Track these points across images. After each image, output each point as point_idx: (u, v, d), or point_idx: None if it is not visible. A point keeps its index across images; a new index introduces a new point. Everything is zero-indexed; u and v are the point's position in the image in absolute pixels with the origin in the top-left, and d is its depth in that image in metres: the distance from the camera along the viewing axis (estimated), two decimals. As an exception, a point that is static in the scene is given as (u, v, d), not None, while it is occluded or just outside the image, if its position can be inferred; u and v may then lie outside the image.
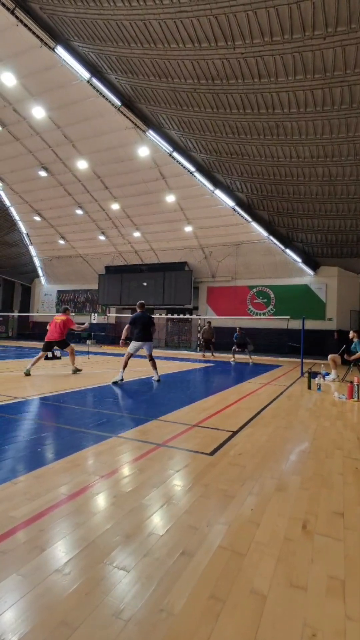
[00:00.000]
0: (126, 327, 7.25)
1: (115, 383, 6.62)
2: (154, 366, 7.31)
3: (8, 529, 1.72)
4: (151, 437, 3.36)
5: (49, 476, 2.38)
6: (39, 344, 18.86)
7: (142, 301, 7.51)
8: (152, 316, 7.62)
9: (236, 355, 14.22)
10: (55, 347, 7.72)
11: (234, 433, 3.63)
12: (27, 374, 6.97)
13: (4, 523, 1.77)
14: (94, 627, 1.17)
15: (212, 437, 3.46)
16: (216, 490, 2.26)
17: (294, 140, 11.59)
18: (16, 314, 25.34)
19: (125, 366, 7.00)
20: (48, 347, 7.58)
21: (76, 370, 7.77)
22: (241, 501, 2.12)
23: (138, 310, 7.32)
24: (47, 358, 9.65)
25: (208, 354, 15.80)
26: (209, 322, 15.25)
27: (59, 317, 7.69)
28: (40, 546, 1.60)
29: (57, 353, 10.89)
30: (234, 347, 13.95)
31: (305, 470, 2.72)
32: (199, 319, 19.96)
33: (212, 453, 2.98)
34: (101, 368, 8.74)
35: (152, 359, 7.30)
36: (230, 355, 14.36)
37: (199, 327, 20.66)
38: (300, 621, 1.24)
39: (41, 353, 7.50)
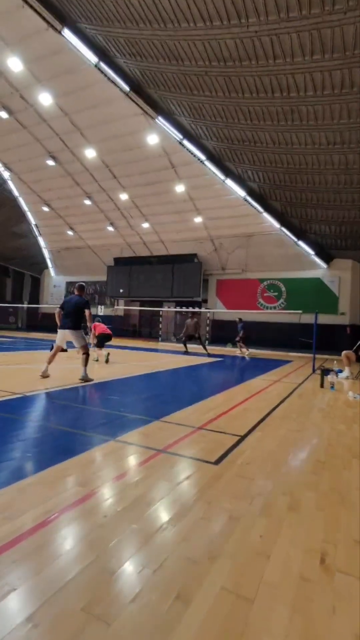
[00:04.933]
0: (56, 311, 6.19)
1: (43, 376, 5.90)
2: (84, 361, 5.99)
3: (-23, 558, 1.48)
4: (152, 441, 3.11)
5: (37, 488, 2.14)
6: (48, 336, 18.83)
7: (82, 283, 6.44)
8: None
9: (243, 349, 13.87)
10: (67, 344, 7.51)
11: (242, 438, 3.36)
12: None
13: (-26, 550, 1.53)
14: None
15: (217, 442, 3.20)
16: (220, 510, 2.00)
17: (309, 126, 11.05)
18: (25, 305, 25.34)
19: (49, 361, 6.00)
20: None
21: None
22: (249, 525, 1.86)
23: (75, 293, 6.30)
24: (62, 350, 9.50)
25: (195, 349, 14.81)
26: (192, 316, 13.23)
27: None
28: (20, 577, 1.36)
29: (64, 345, 10.74)
30: (238, 339, 13.57)
31: (320, 483, 2.43)
32: (208, 312, 19.63)
33: (217, 462, 2.71)
34: (103, 362, 8.53)
35: (85, 352, 6.03)
36: (237, 349, 14.06)
37: (208, 321, 20.36)
38: None
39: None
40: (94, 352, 8.48)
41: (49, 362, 6.03)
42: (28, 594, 1.31)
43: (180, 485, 2.29)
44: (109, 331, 9.32)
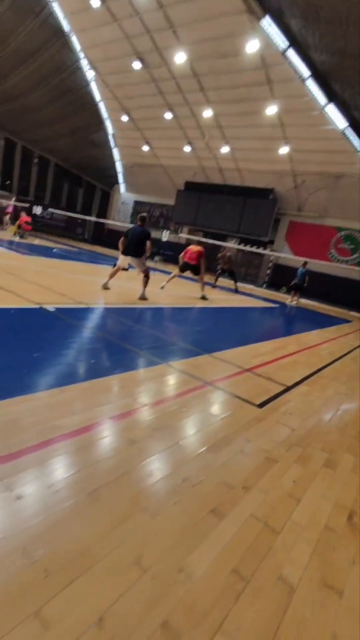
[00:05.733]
0: (121, 240, 6.52)
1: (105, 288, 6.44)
2: (144, 283, 6.57)
3: (49, 438, 1.76)
4: (200, 373, 3.27)
5: (94, 392, 2.41)
6: (111, 252, 19.42)
7: (144, 215, 6.65)
8: (223, 243, 7.13)
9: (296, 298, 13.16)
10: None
11: (288, 388, 3.40)
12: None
13: (47, 431, 1.82)
14: (112, 570, 1.15)
15: (263, 387, 3.28)
16: (258, 449, 2.13)
17: None
18: (93, 218, 25.85)
19: (111, 276, 6.58)
20: (184, 268, 8.54)
21: (204, 297, 8.33)
22: (284, 469, 1.97)
23: (137, 223, 6.58)
24: (124, 269, 9.84)
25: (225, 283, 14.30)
26: (225, 249, 12.63)
27: (195, 247, 8.52)
28: (77, 464, 1.61)
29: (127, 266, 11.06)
30: (291, 286, 12.81)
31: (360, 450, 2.46)
32: (272, 254, 18.68)
33: (261, 405, 2.81)
34: (167, 287, 8.71)
35: (146, 275, 6.56)
36: (289, 297, 13.45)
37: (270, 264, 19.50)
38: (329, 632, 1.11)
39: (175, 272, 8.78)
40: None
41: (111, 276, 6.62)
42: (88, 477, 1.55)
43: (223, 419, 2.44)
44: (191, 261, 8.54)
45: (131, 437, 1.94)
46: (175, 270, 9.10)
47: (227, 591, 1.17)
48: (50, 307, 4.41)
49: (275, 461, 2.03)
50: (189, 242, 23.76)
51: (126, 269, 9.27)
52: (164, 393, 2.68)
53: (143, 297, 6.45)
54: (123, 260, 6.54)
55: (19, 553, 1.13)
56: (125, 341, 3.78)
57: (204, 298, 8.41)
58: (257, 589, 1.20)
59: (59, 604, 1.00)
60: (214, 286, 12.22)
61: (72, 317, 4.27)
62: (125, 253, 6.42)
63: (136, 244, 6.36)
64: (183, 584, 1.15)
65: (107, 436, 1.91)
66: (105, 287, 6.49)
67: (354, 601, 1.24)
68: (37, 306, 4.33)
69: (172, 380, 2.98)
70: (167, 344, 4.08)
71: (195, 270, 8.63)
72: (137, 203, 26.09)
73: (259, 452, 2.09)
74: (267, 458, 2.05)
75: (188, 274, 8.98)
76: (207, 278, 8.85)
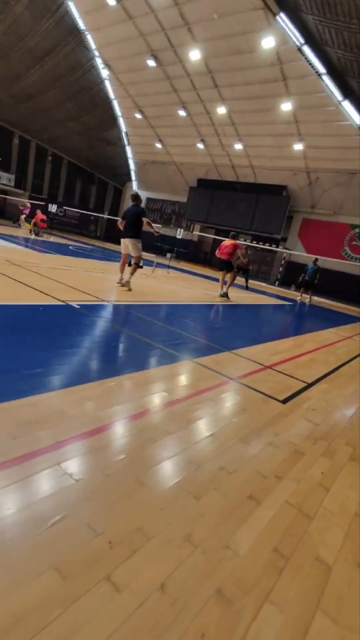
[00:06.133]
0: (119, 221, 6.37)
1: (121, 284, 6.39)
2: (132, 270, 6.45)
3: (97, 427, 1.89)
4: (224, 369, 3.38)
5: (128, 385, 2.54)
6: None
7: (135, 192, 6.53)
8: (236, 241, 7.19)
9: (304, 295, 13.09)
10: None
11: (308, 385, 3.49)
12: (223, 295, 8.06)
13: (90, 421, 1.95)
14: (167, 545, 1.27)
15: (284, 384, 3.37)
16: (286, 442, 2.23)
17: None
18: (106, 215, 26.08)
19: (121, 270, 6.54)
20: (221, 266, 8.34)
21: (224, 295, 8.09)
22: (312, 461, 2.07)
23: (131, 203, 6.38)
24: (130, 265, 9.94)
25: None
26: (246, 247, 12.60)
27: (228, 242, 8.30)
28: (126, 450, 1.74)
29: (141, 263, 11.19)
30: (300, 283, 12.67)
31: (383, 445, 2.54)
32: (284, 252, 18.61)
33: (284, 401, 2.91)
34: (178, 284, 8.84)
35: (136, 263, 6.38)
36: (298, 294, 13.39)
37: (282, 262, 19.44)
38: (365, 606, 1.21)
39: (221, 275, 8.53)
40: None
41: (121, 270, 6.61)
42: (134, 463, 1.68)
43: (250, 413, 2.55)
44: (223, 256, 8.24)
45: (167, 429, 2.07)
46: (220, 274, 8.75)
47: (270, 567, 1.28)
48: (75, 304, 4.57)
49: (303, 454, 2.14)
50: (201, 240, 23.82)
51: (141, 267, 9.39)
52: (193, 387, 2.80)
53: (125, 284, 6.25)
54: (123, 245, 6.35)
55: (85, 527, 1.26)
56: (149, 337, 3.91)
57: (224, 296, 8.14)
58: (296, 566, 1.31)
59: (125, 571, 1.13)
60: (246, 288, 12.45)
61: (96, 314, 4.42)
62: (123, 236, 6.26)
63: (134, 225, 6.17)
64: (231, 559, 1.27)
65: (146, 427, 2.04)
66: (121, 282, 6.39)
67: (386, 580, 1.34)
68: (62, 303, 4.49)
69: (199, 375, 3.10)
70: (189, 340, 4.20)
71: (228, 266, 8.25)
72: (149, 200, 26.22)
73: (287, 445, 2.19)
74: (295, 450, 2.15)
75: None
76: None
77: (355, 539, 1.52)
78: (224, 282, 8.56)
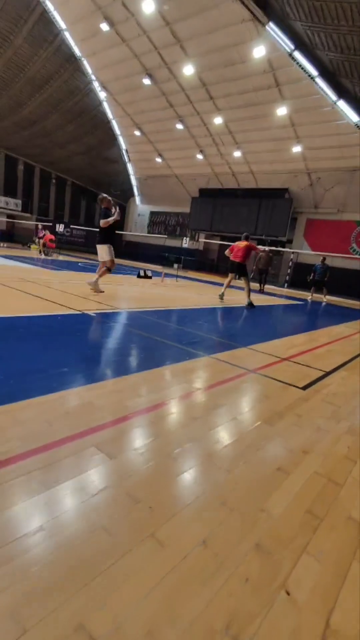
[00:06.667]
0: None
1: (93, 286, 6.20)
2: (99, 271, 6.29)
3: (123, 415, 1.98)
4: (242, 362, 3.44)
5: (152, 379, 2.63)
6: (131, 262, 19.90)
7: (103, 195, 6.28)
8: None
9: (315, 294, 13.02)
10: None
11: (327, 373, 3.52)
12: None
13: (118, 409, 2.04)
14: (204, 509, 1.34)
15: (303, 373, 3.41)
16: (310, 422, 2.28)
17: None
18: (111, 231, 26.48)
19: (101, 274, 6.28)
20: (232, 268, 7.82)
21: (251, 305, 7.61)
22: (337, 438, 2.11)
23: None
24: (139, 276, 10.15)
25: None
26: (266, 250, 12.57)
27: (241, 243, 7.78)
28: (158, 435, 1.82)
29: (149, 273, 11.37)
30: (310, 282, 12.59)
31: None
32: (292, 252, 18.64)
33: (304, 388, 2.95)
34: (188, 291, 8.96)
35: (108, 266, 6.23)
36: (310, 294, 13.33)
37: (290, 263, 19.44)
38: None
39: (230, 277, 8.07)
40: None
41: (99, 276, 6.33)
42: (164, 444, 1.75)
43: (271, 399, 2.60)
44: (237, 258, 7.74)
45: (192, 414, 2.14)
46: (228, 277, 8.29)
47: (305, 526, 1.33)
48: (91, 313, 4.70)
49: (327, 431, 2.18)
50: (207, 248, 24.03)
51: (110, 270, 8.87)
52: (214, 379, 2.87)
53: (92, 285, 6.08)
54: (98, 251, 6.25)
55: (126, 496, 1.34)
56: (165, 338, 4.00)
57: (250, 305, 7.60)
58: (330, 525, 1.36)
59: (168, 530, 1.20)
60: (261, 291, 12.52)
61: (112, 320, 4.54)
62: (97, 242, 6.19)
63: (100, 229, 6.09)
64: (266, 520, 1.33)
65: (172, 413, 2.12)
66: (96, 289, 6.16)
67: None
68: (79, 312, 4.63)
69: (218, 368, 3.17)
70: (205, 339, 4.28)
71: (241, 270, 7.65)
72: (152, 213, 26.65)
73: (310, 425, 2.24)
74: (319, 429, 2.19)
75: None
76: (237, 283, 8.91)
77: (386, 502, 1.56)
78: (229, 286, 8.38)
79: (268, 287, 14.62)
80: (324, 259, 12.70)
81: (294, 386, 2.96)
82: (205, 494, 1.42)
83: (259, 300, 10.28)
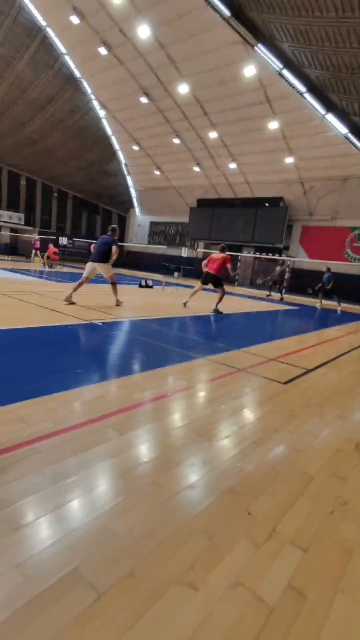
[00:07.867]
0: (92, 246, 7.07)
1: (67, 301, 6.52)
2: (114, 290, 7.23)
3: (131, 404, 2.45)
4: (233, 362, 3.91)
5: (153, 378, 3.10)
6: (132, 272, 20.46)
7: (114, 226, 7.09)
8: (235, 254, 7.57)
9: (323, 301, 13.57)
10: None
11: (308, 371, 3.98)
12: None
13: (126, 401, 2.51)
14: (192, 463, 1.81)
15: (287, 371, 3.87)
16: (284, 409, 2.74)
17: None
18: (112, 242, 27.13)
19: (75, 288, 6.74)
20: (206, 279, 8.17)
21: (217, 311, 7.87)
22: (304, 420, 2.58)
23: (108, 233, 7.04)
24: (141, 286, 10.67)
25: (276, 295, 15.18)
26: (284, 262, 13.52)
27: (218, 255, 8.18)
28: (160, 418, 2.29)
29: (150, 282, 11.89)
30: (319, 289, 13.15)
31: (370, 409, 3.01)
32: (288, 260, 19.16)
33: (286, 383, 3.42)
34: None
35: (112, 282, 7.21)
36: (317, 300, 13.83)
37: (288, 269, 19.92)
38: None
39: (198, 285, 8.48)
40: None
41: (75, 288, 6.78)
42: (164, 423, 2.23)
43: (256, 392, 3.07)
44: (212, 270, 8.19)
45: (190, 404, 2.61)
46: (197, 283, 8.74)
47: (268, 476, 1.80)
48: (98, 322, 5.20)
49: (297, 416, 2.64)
50: (206, 256, 24.62)
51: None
52: (207, 376, 3.34)
53: (118, 304, 7.09)
54: (90, 268, 6.83)
55: (135, 458, 1.81)
56: (166, 343, 4.48)
57: (217, 312, 7.91)
58: (286, 478, 1.82)
59: (165, 477, 1.67)
60: (281, 299, 13.88)
61: (117, 328, 5.03)
62: (92, 259, 6.85)
63: (101, 251, 6.79)
64: (240, 472, 1.79)
65: (171, 403, 2.59)
66: (69, 301, 6.51)
67: (354, 482, 1.83)
68: (87, 322, 5.12)
69: (211, 368, 3.64)
70: (201, 343, 4.75)
71: (216, 282, 8.05)
72: (152, 224, 27.31)
73: (284, 410, 2.70)
74: (291, 413, 2.66)
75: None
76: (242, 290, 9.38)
77: (333, 462, 2.02)
78: (196, 293, 8.53)
79: (265, 294, 15.13)
80: (329, 269, 13.14)
81: (277, 381, 3.43)
82: (194, 455, 1.89)
83: (258, 305, 10.76)
